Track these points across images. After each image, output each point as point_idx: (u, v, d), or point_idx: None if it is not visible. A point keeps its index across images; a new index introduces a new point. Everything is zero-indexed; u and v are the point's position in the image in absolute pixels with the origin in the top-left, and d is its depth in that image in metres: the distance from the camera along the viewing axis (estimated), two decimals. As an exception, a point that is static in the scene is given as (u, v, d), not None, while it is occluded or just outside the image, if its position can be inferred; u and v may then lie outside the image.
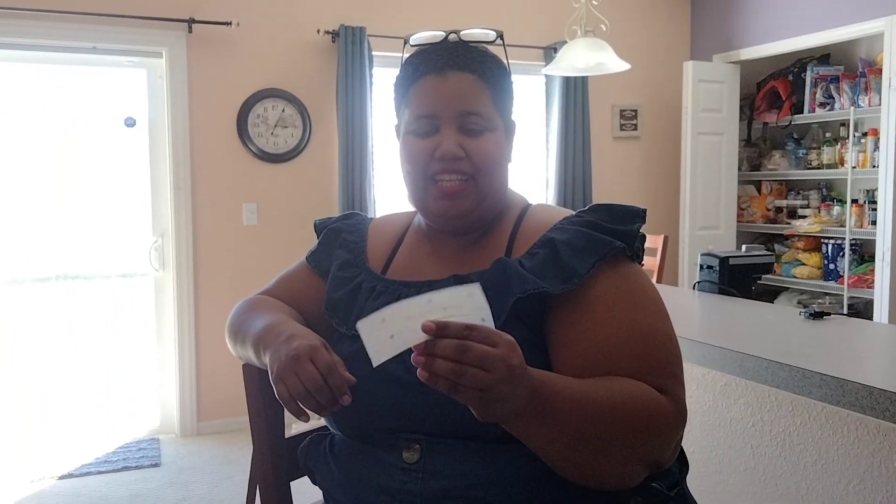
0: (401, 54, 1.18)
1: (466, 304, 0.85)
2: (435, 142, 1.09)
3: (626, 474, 1.00)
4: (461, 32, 1.14)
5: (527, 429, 0.92)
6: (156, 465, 3.61)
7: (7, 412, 3.92)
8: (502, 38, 1.16)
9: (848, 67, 4.64)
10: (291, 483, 1.30)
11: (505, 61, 1.17)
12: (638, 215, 1.12)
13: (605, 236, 1.07)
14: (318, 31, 4.16)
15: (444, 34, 1.13)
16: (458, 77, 1.08)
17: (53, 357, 4.02)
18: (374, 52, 4.19)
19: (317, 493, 1.25)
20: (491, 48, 1.17)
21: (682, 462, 1.20)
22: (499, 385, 0.84)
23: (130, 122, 4.05)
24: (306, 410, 1.02)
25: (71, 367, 4.05)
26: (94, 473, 3.51)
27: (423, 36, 1.15)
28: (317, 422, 1.23)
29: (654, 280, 3.62)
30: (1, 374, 3.91)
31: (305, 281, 1.29)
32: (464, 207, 1.11)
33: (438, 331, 0.82)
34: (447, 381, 0.83)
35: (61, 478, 3.46)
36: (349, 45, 4.10)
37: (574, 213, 1.15)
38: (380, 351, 0.86)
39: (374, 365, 0.87)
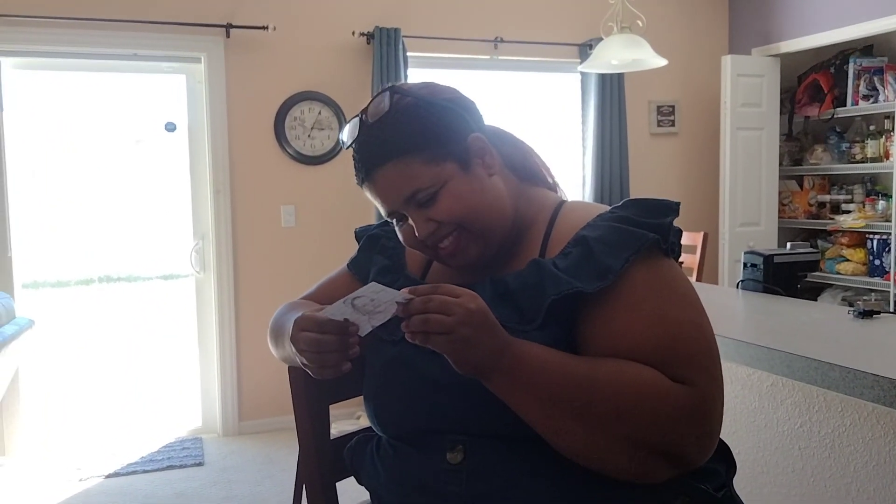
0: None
1: (383, 293, 0.97)
2: (411, 226, 1.11)
3: (631, 462, 0.98)
4: (367, 114, 1.11)
5: (504, 386, 0.98)
6: (199, 465, 3.67)
7: (52, 412, 4.02)
8: (394, 91, 1.10)
9: (892, 59, 4.52)
10: (337, 483, 1.31)
11: (411, 98, 1.10)
12: (671, 208, 1.10)
13: (637, 230, 1.05)
14: (353, 33, 4.19)
15: (357, 120, 1.11)
16: (383, 173, 1.08)
17: (97, 358, 4.12)
18: (409, 53, 4.19)
19: (363, 493, 1.26)
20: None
21: (729, 463, 1.18)
22: (459, 327, 0.92)
23: (171, 127, 4.13)
24: (335, 364, 1.02)
25: (114, 367, 4.14)
26: (140, 472, 3.58)
27: (345, 133, 1.15)
28: (357, 422, 1.24)
29: (694, 278, 3.57)
30: (45, 375, 4.00)
31: (346, 286, 1.30)
32: (473, 254, 1.12)
33: (411, 293, 0.95)
34: (420, 332, 0.93)
35: (108, 476, 3.54)
36: (384, 47, 4.11)
37: (608, 209, 1.13)
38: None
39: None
